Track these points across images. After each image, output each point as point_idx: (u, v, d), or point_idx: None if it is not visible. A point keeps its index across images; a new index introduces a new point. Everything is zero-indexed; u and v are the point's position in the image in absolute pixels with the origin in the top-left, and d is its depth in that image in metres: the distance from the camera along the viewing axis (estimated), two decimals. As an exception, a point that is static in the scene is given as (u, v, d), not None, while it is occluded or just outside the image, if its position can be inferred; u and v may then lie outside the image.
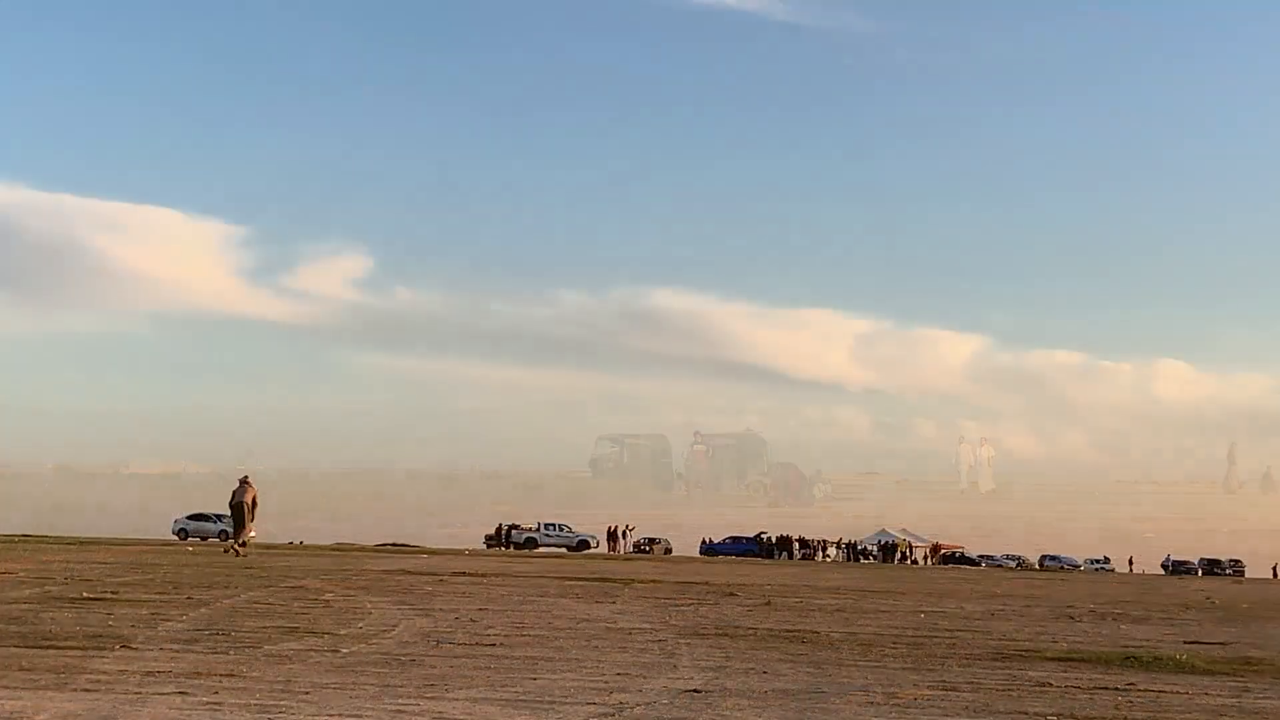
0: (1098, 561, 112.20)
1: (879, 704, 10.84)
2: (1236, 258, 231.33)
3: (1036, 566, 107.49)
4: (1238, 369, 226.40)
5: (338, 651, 13.75)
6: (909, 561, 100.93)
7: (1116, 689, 12.45)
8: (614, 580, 34.05)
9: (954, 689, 12.11)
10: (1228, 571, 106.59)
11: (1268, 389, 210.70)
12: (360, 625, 17.15)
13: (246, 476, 42.96)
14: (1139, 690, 12.39)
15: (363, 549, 70.51)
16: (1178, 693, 12.33)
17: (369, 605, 20.90)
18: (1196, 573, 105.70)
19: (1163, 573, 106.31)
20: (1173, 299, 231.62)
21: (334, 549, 66.98)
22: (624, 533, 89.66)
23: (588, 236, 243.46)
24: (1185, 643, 19.21)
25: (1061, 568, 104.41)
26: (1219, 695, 12.30)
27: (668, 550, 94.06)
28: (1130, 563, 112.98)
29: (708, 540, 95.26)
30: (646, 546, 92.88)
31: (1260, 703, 11.83)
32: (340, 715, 9.36)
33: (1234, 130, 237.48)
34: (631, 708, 10.12)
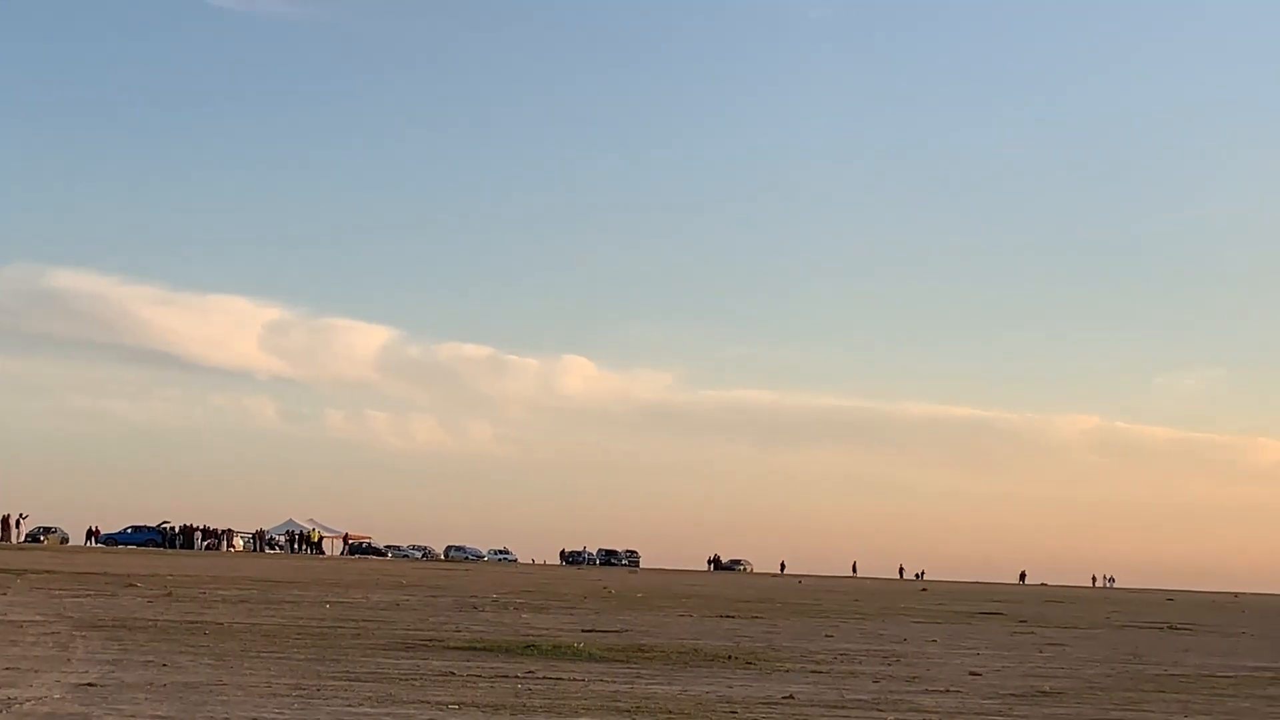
0: (501, 552, 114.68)
1: (282, 695, 10.74)
2: (635, 259, 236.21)
3: (442, 557, 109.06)
4: (639, 366, 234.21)
5: None
6: (317, 552, 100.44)
7: (517, 677, 12.80)
8: (6, 571, 32.56)
9: (358, 679, 12.14)
10: (624, 562, 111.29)
11: (665, 385, 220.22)
12: None
13: None
14: (538, 678, 12.78)
15: None
16: (575, 679, 12.79)
17: None
18: (594, 563, 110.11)
19: (561, 563, 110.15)
20: (578, 297, 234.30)
21: None
22: (18, 521, 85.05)
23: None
24: (583, 631, 20.02)
25: (466, 558, 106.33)
26: (613, 681, 12.83)
27: (64, 540, 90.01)
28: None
29: (96, 529, 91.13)
30: (41, 536, 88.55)
31: (651, 688, 12.41)
32: None
33: (648, 134, 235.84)
34: (21, 703, 9.64)
